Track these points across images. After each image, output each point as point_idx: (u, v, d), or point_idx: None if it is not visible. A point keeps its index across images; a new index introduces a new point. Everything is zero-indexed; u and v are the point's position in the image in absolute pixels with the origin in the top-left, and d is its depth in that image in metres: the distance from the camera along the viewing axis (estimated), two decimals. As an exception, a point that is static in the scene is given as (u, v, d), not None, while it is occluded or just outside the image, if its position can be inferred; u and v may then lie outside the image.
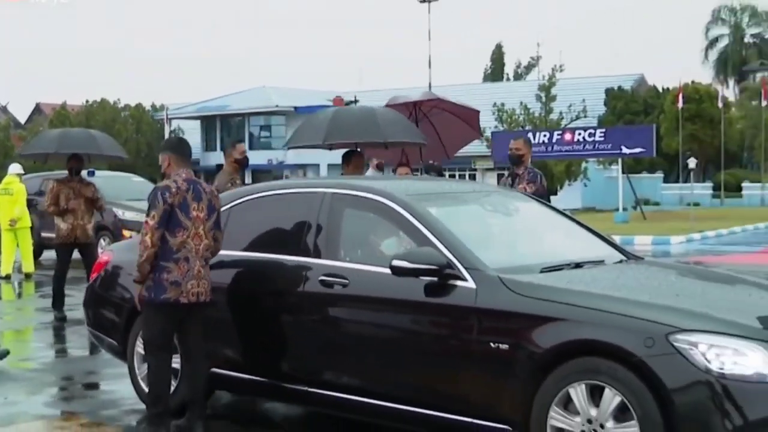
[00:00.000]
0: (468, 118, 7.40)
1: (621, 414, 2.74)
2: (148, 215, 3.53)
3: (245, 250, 3.81)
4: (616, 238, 7.31)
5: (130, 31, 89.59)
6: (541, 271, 3.21)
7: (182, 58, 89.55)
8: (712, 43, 43.88)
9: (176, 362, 3.73)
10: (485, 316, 3.01)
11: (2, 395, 4.42)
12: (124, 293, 4.03)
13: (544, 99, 26.64)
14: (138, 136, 38.06)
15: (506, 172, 6.24)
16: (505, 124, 26.17)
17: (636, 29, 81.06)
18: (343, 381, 3.42)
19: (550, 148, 21.11)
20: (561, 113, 26.79)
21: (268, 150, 36.42)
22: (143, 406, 3.84)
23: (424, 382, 3.18)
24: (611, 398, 2.74)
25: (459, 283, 3.10)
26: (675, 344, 2.67)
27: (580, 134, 21.18)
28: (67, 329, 6.54)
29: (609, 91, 36.11)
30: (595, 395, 2.79)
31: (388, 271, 3.19)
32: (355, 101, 30.29)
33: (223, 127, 39.65)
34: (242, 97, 39.03)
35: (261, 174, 31.85)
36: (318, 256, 3.54)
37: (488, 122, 23.85)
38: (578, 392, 2.80)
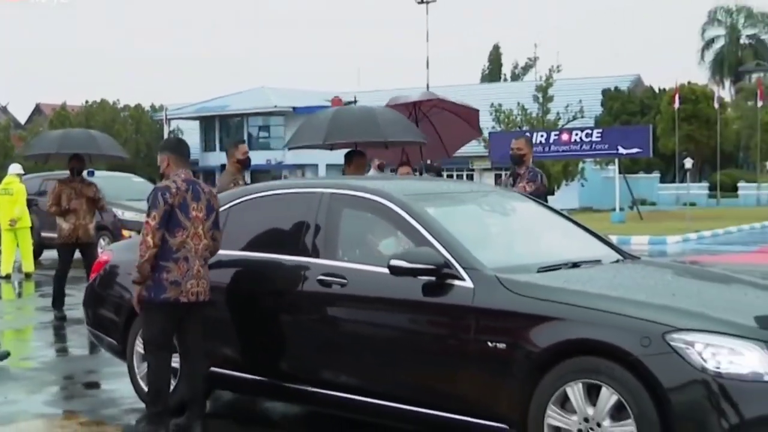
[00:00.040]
0: (468, 117, 7.42)
1: (618, 413, 2.75)
2: (148, 216, 3.55)
3: (244, 249, 3.82)
4: (613, 238, 7.35)
5: (130, 32, 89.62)
6: (539, 271, 3.22)
7: (181, 59, 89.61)
8: (708, 44, 44.00)
9: (175, 361, 3.75)
10: (483, 315, 3.03)
11: (2, 394, 4.44)
12: (123, 293, 4.04)
13: (541, 99, 26.68)
14: (137, 137, 38.12)
15: (507, 172, 6.27)
16: (503, 125, 26.20)
17: (632, 30, 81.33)
18: (342, 380, 3.43)
19: (547, 149, 21.15)
20: (558, 114, 26.83)
21: (267, 150, 36.43)
22: (143, 405, 3.85)
23: (422, 382, 3.19)
24: (608, 397, 2.75)
25: (456, 282, 3.11)
26: (671, 343, 2.69)
27: (577, 134, 21.23)
28: (66, 328, 6.56)
29: (606, 92, 36.18)
30: (592, 394, 2.80)
31: (386, 270, 3.21)
32: (355, 101, 30.27)
33: (222, 127, 39.68)
34: (241, 97, 39.07)
35: (260, 174, 31.82)
36: (316, 255, 3.55)
37: (486, 123, 23.80)
38: (575, 391, 2.81)
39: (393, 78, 74.73)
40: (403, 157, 6.73)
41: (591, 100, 32.74)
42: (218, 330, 3.76)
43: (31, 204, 10.52)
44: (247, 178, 6.46)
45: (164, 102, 40.61)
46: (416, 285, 3.17)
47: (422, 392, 3.18)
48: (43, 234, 11.17)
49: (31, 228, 10.24)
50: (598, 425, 2.78)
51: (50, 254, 11.82)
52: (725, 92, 41.20)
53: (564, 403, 2.86)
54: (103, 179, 8.72)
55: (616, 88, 36.53)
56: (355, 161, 5.68)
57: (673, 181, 33.44)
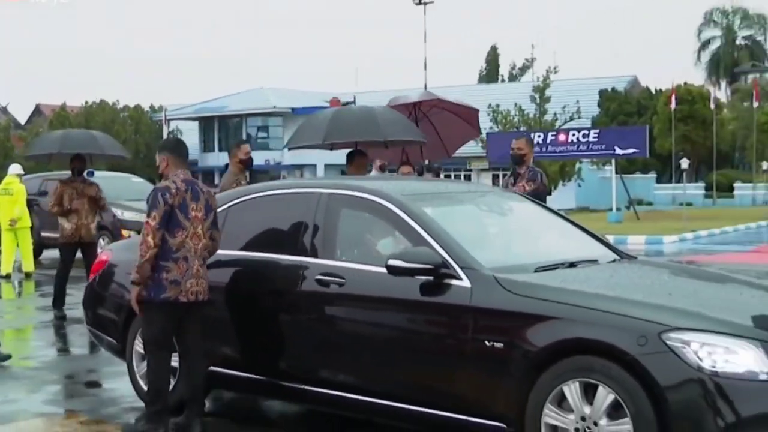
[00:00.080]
0: (467, 116, 7.44)
1: (614, 411, 2.76)
2: (148, 216, 3.56)
3: (243, 249, 3.83)
4: (610, 238, 7.38)
5: (129, 32, 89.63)
6: (536, 271, 3.23)
7: (180, 59, 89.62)
8: (705, 45, 44.15)
9: (175, 361, 3.75)
10: (480, 314, 3.04)
11: (3, 393, 4.44)
12: (123, 292, 4.05)
13: (538, 100, 26.71)
14: (137, 137, 38.25)
15: (508, 172, 6.29)
16: (500, 125, 26.24)
17: (629, 31, 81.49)
18: (340, 379, 3.44)
19: (544, 149, 21.17)
20: (555, 114, 26.87)
21: (266, 150, 36.45)
22: (142, 404, 3.86)
23: (419, 380, 3.20)
24: (605, 396, 2.77)
25: (454, 282, 3.12)
26: (668, 342, 2.70)
27: (574, 135, 21.26)
28: (66, 328, 6.57)
29: (603, 93, 36.26)
30: (588, 393, 2.81)
31: (384, 270, 3.21)
32: (354, 102, 30.27)
33: (221, 128, 39.75)
34: (240, 98, 39.14)
35: (259, 174, 31.84)
36: (315, 255, 3.56)
37: (483, 123, 23.74)
38: (572, 390, 2.82)
39: (391, 79, 74.90)
40: (404, 156, 6.75)
41: (588, 100, 32.81)
42: (217, 329, 3.77)
43: (31, 204, 10.55)
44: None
45: (163, 102, 40.81)
46: (414, 284, 3.18)
47: (420, 391, 3.20)
48: (43, 234, 11.19)
49: (31, 228, 10.27)
50: (595, 424, 2.79)
51: (50, 254, 11.83)
52: (721, 93, 41.37)
53: (561, 402, 2.87)
54: (103, 179, 8.75)
55: (612, 88, 36.61)
56: (356, 161, 5.68)
57: (670, 182, 33.55)
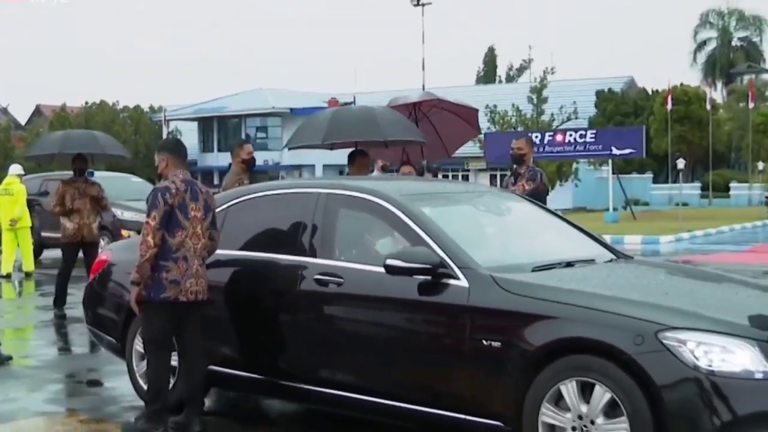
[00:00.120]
0: (467, 116, 7.46)
1: (611, 410, 2.78)
2: (148, 216, 3.57)
3: (242, 249, 3.85)
4: (607, 238, 7.39)
5: (129, 33, 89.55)
6: (533, 270, 3.25)
7: (180, 60, 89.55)
8: (701, 46, 44.24)
9: (174, 360, 3.76)
10: (478, 314, 3.05)
11: (3, 392, 4.45)
12: (122, 292, 4.05)
13: (535, 101, 26.75)
14: (136, 137, 38.39)
15: (508, 172, 6.31)
16: (498, 126, 26.28)
17: (626, 33, 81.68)
18: (339, 378, 3.45)
19: (541, 149, 21.21)
20: (552, 115, 26.91)
21: (265, 151, 36.49)
22: (142, 403, 3.88)
23: (417, 379, 3.22)
24: (601, 395, 2.78)
25: (452, 281, 3.14)
26: (664, 342, 2.71)
27: (571, 135, 21.30)
28: (67, 327, 6.58)
29: (599, 93, 36.33)
30: (585, 392, 2.82)
31: (382, 270, 3.23)
32: (354, 102, 30.27)
33: (220, 128, 39.83)
34: (239, 98, 39.20)
35: (257, 174, 31.89)
36: (313, 255, 3.57)
37: (481, 124, 23.81)
38: (569, 389, 2.84)
39: (389, 79, 74.88)
40: (404, 156, 6.76)
41: (585, 101, 32.84)
42: (216, 329, 3.79)
43: (32, 204, 10.57)
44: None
45: (163, 103, 40.93)
46: (412, 284, 3.19)
47: (418, 390, 3.21)
48: (44, 234, 11.23)
49: (32, 228, 10.29)
50: (592, 423, 2.81)
51: (50, 254, 11.87)
52: (717, 94, 41.42)
53: (558, 401, 2.88)
54: (102, 179, 8.76)
55: (609, 89, 36.68)
56: (357, 161, 5.69)
57: (666, 182, 33.62)
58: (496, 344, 2.97)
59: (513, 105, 26.97)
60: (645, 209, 26.94)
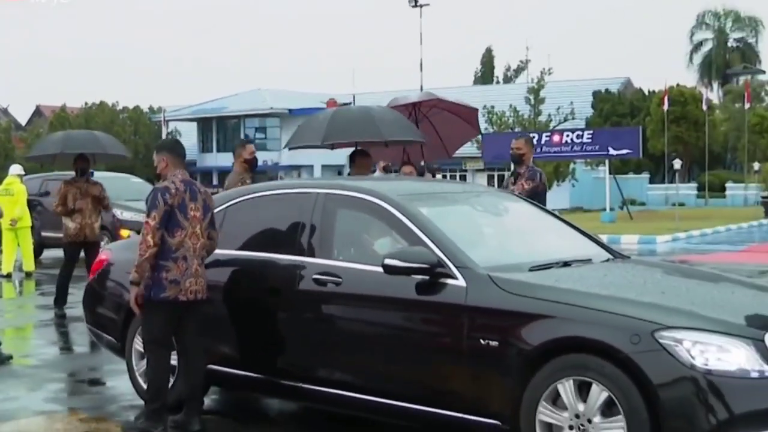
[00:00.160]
0: (467, 116, 7.47)
1: (608, 409, 2.79)
2: (148, 216, 3.59)
3: (241, 249, 3.86)
4: (604, 238, 7.43)
5: (129, 33, 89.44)
6: (530, 270, 3.26)
7: (179, 61, 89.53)
8: (697, 47, 44.37)
9: (174, 359, 3.77)
10: (475, 313, 3.06)
11: (4, 391, 4.47)
12: (122, 291, 4.06)
13: (533, 101, 26.80)
14: (136, 138, 38.49)
15: (505, 172, 6.34)
16: (495, 126, 26.32)
17: (622, 34, 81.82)
18: (337, 377, 3.46)
19: (538, 150, 21.22)
20: (549, 115, 26.95)
21: (264, 151, 36.45)
22: (142, 402, 3.89)
23: (415, 379, 3.23)
24: (598, 394, 2.79)
25: (450, 281, 3.15)
26: (660, 341, 2.73)
27: (568, 136, 21.35)
28: (67, 326, 6.59)
29: (596, 94, 36.40)
30: (582, 391, 2.84)
31: (380, 269, 3.24)
32: (353, 102, 30.26)
33: (219, 129, 39.91)
34: (238, 99, 39.28)
35: (256, 175, 31.87)
36: (312, 255, 3.59)
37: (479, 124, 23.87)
38: (566, 388, 2.85)
39: (387, 80, 74.83)
40: (405, 157, 6.77)
41: (582, 102, 32.92)
42: (216, 328, 3.80)
43: (32, 204, 10.59)
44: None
45: (162, 103, 41.07)
46: (410, 284, 3.21)
47: (416, 389, 3.22)
48: (44, 233, 11.26)
49: (32, 228, 10.32)
50: (589, 421, 2.82)
51: (50, 253, 11.88)
52: (713, 94, 41.53)
53: (555, 400, 2.90)
54: (102, 179, 8.78)
55: (606, 90, 36.76)
56: (358, 162, 5.69)
57: (663, 182, 33.69)
58: (494, 343, 2.99)
59: (510, 106, 27.00)
60: (641, 209, 27.00)
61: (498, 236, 3.89)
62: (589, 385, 2.82)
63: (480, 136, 21.55)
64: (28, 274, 9.97)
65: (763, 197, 24.23)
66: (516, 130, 25.14)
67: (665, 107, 28.68)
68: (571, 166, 27.13)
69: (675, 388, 2.69)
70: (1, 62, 72.32)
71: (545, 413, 2.90)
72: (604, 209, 21.57)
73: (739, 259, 11.81)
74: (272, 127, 38.36)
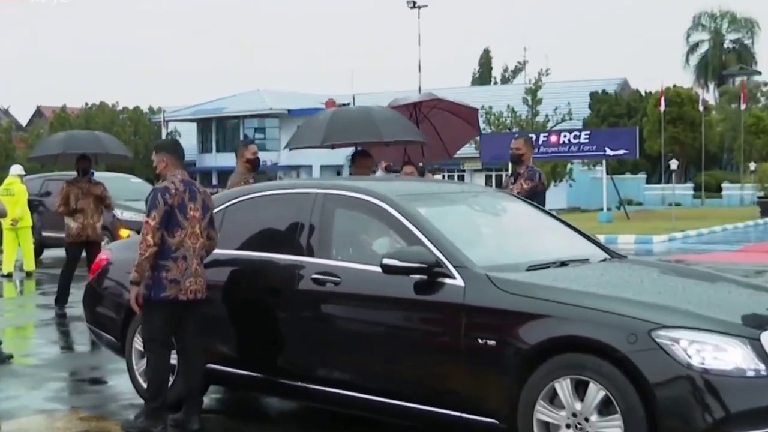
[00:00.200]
0: (467, 116, 7.48)
1: (605, 408, 2.81)
2: (148, 216, 3.60)
3: (240, 249, 3.87)
4: (601, 238, 7.45)
5: (129, 33, 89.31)
6: (528, 269, 3.28)
7: (179, 61, 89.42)
8: (693, 48, 44.46)
9: (174, 358, 3.79)
10: (473, 312, 3.08)
11: (4, 390, 4.48)
12: (122, 291, 4.07)
13: (530, 102, 26.81)
14: (136, 138, 38.61)
15: (502, 172, 6.37)
16: (493, 127, 26.36)
17: (619, 35, 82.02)
18: (336, 376, 3.48)
19: (536, 150, 21.15)
20: (547, 116, 26.98)
21: (263, 151, 36.33)
22: (141, 401, 3.91)
23: (413, 378, 3.24)
24: (595, 393, 2.81)
25: (448, 280, 3.16)
26: (657, 340, 2.74)
27: (565, 136, 21.37)
28: (67, 326, 6.60)
29: (593, 95, 36.45)
30: (579, 390, 2.85)
31: (378, 269, 3.25)
32: (353, 102, 30.25)
33: (218, 129, 39.96)
34: (237, 100, 39.32)
35: (256, 175, 31.89)
36: (311, 254, 3.60)
37: (477, 124, 23.86)
38: (563, 387, 2.86)
39: (386, 81, 74.87)
40: (405, 157, 6.79)
41: (579, 102, 32.99)
42: (215, 327, 3.81)
43: (33, 204, 10.61)
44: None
45: (162, 104, 41.19)
46: (408, 283, 3.22)
47: (414, 388, 3.23)
48: (44, 233, 11.29)
49: (32, 227, 10.34)
50: (586, 420, 2.84)
51: (51, 253, 11.90)
52: (710, 95, 41.55)
53: (553, 399, 2.91)
54: (102, 179, 8.80)
55: (603, 91, 36.82)
56: (359, 162, 5.70)
57: (659, 182, 33.78)
58: (492, 343, 3.00)
59: (508, 106, 27.04)
60: (638, 209, 27.05)
61: (496, 236, 3.90)
62: (587, 384, 2.83)
63: (478, 137, 21.58)
64: (29, 274, 9.99)
65: (759, 197, 24.31)
66: (514, 130, 25.17)
67: (662, 108, 28.75)
68: (569, 166, 27.16)
69: (672, 387, 2.70)
70: (1, 62, 72.20)
71: (543, 412, 2.92)
72: (601, 209, 21.59)
73: (736, 259, 11.84)
74: (271, 128, 38.39)
